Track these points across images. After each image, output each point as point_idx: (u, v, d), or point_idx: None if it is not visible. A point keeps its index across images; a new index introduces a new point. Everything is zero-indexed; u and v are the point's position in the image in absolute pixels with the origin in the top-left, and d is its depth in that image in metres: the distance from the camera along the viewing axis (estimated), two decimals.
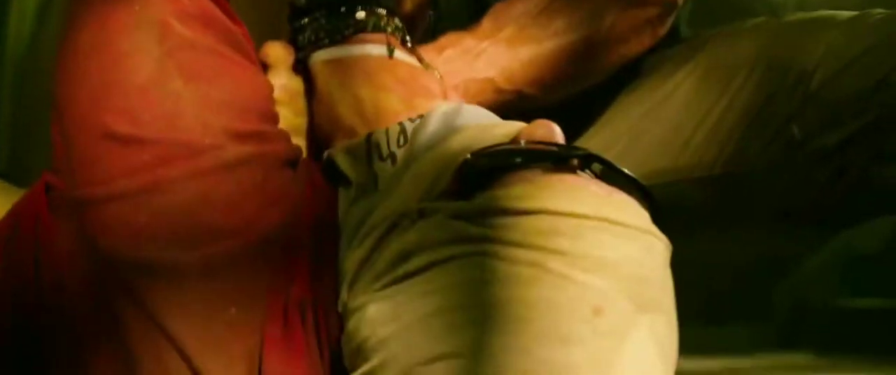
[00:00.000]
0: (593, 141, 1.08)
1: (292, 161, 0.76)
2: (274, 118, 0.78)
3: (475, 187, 0.63)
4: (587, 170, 0.65)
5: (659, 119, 1.05)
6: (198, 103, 0.70)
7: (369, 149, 0.74)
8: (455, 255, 0.61)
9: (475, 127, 0.70)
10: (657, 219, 0.64)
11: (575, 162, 0.63)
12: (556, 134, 0.66)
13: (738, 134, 0.99)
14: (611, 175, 0.64)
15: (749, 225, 1.04)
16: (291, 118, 0.83)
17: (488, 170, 0.63)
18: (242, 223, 0.69)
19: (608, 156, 1.03)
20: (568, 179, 0.62)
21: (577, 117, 1.03)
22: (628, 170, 1.02)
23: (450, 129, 0.71)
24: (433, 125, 0.73)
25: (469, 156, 0.64)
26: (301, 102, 0.84)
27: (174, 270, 0.67)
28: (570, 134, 1.06)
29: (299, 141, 0.83)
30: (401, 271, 0.63)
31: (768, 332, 1.59)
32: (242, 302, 0.69)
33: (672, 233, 1.06)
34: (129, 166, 0.67)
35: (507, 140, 0.67)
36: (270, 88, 0.79)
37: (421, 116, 0.76)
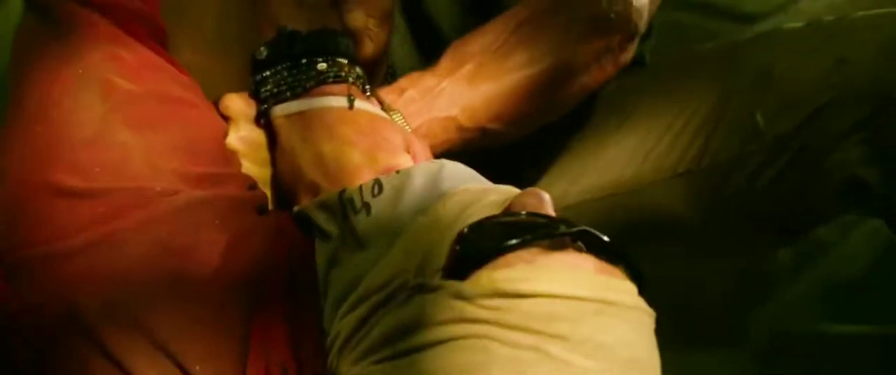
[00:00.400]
0: (560, 159, 1.07)
1: (254, 205, 0.74)
2: (228, 159, 0.76)
3: (472, 263, 0.62)
4: (578, 243, 0.64)
5: (623, 133, 1.04)
6: (145, 150, 0.69)
7: (343, 205, 0.73)
8: (456, 336, 0.60)
9: (465, 192, 0.69)
10: (642, 287, 0.64)
11: (568, 238, 0.63)
12: (546, 203, 0.66)
13: (701, 135, 0.98)
14: (600, 248, 0.64)
15: (716, 228, 1.02)
16: (254, 169, 0.81)
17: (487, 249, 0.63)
18: (207, 270, 0.68)
19: (575, 172, 1.05)
20: (565, 259, 0.62)
21: (542, 137, 1.01)
22: (595, 182, 1.04)
23: (437, 192, 0.70)
24: (418, 184, 0.72)
25: (465, 230, 0.63)
26: (263, 153, 0.82)
27: (141, 321, 0.66)
28: (537, 154, 1.06)
29: (264, 192, 0.81)
30: (400, 347, 0.62)
31: (747, 358, 1.59)
32: (215, 357, 0.68)
33: (645, 253, 1.07)
34: (85, 220, 0.66)
35: (499, 209, 0.66)
36: (224, 128, 0.78)
37: (398, 172, 0.75)
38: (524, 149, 1.01)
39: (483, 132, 0.91)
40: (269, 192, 0.82)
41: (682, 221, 1.00)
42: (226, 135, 0.78)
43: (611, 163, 1.03)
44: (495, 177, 1.04)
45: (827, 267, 1.63)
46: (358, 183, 0.78)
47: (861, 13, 0.94)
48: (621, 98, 1.06)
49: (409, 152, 0.81)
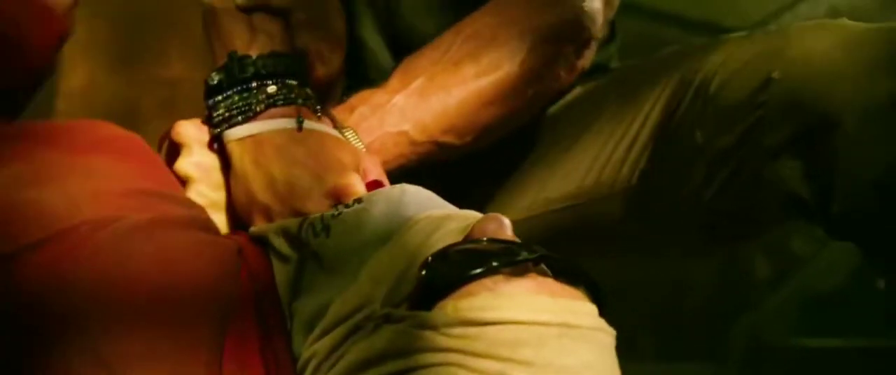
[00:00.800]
0: (526, 170, 1.07)
1: (196, 224, 0.73)
2: (144, 193, 0.74)
3: (437, 292, 0.63)
4: (542, 266, 0.64)
5: (583, 141, 1.03)
6: (61, 195, 0.68)
7: (303, 231, 0.73)
8: (424, 365, 0.61)
9: (427, 219, 0.69)
10: (602, 306, 0.65)
11: (530, 264, 0.63)
12: (506, 227, 0.66)
13: (651, 146, 0.98)
14: (561, 270, 0.64)
15: (670, 237, 1.02)
16: (209, 193, 0.81)
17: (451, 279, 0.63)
18: (144, 298, 0.67)
19: (540, 182, 1.04)
20: (527, 285, 0.62)
21: (509, 146, 1.01)
22: (558, 192, 1.03)
23: (399, 218, 0.70)
24: (379, 210, 0.72)
25: (430, 259, 0.64)
26: (216, 176, 0.82)
27: (104, 357, 0.65)
28: (503, 165, 1.05)
29: (219, 215, 0.82)
30: None
31: (726, 370, 1.58)
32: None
33: (611, 258, 1.06)
34: (21, 277, 0.65)
35: (460, 235, 0.66)
36: (129, 172, 0.76)
37: (359, 199, 0.74)
38: (491, 160, 1.01)
39: (437, 145, 0.91)
40: (224, 216, 0.82)
41: (639, 231, 1.00)
42: (132, 177, 0.76)
43: (572, 172, 1.03)
44: (462, 190, 1.04)
45: (805, 280, 1.63)
46: (307, 203, 0.78)
47: (796, 24, 0.92)
48: (584, 105, 1.06)
49: (360, 170, 0.81)
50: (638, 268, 1.17)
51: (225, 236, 0.78)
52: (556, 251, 1.09)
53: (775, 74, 0.88)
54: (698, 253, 1.09)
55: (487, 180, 1.07)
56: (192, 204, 0.77)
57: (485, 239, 0.65)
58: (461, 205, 0.80)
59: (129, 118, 1.91)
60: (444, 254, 0.64)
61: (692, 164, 0.94)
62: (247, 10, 0.87)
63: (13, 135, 0.74)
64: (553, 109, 1.06)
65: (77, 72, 1.97)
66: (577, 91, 1.06)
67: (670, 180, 0.96)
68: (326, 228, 0.72)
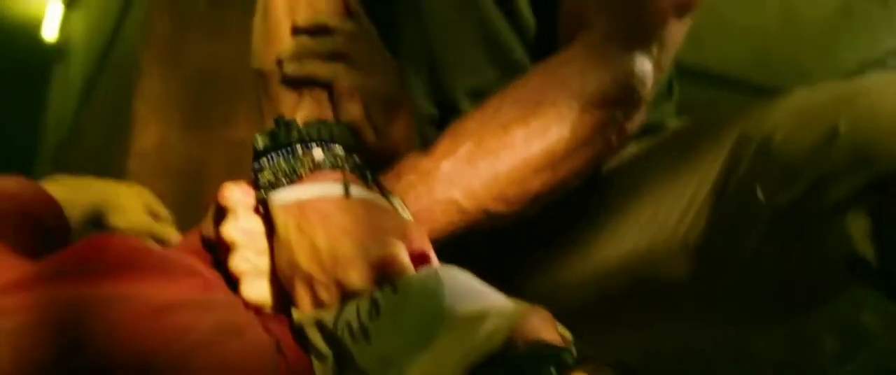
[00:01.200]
0: (579, 231, 1.02)
1: (226, 330, 0.72)
2: (168, 309, 0.73)
3: None
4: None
5: (637, 203, 0.98)
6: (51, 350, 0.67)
7: (340, 328, 0.71)
8: None
9: (464, 321, 0.66)
10: None
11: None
12: (550, 324, 0.64)
13: (708, 206, 0.91)
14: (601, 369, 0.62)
15: (729, 302, 0.95)
16: (253, 259, 0.79)
17: None
18: None
19: (593, 244, 1.00)
20: None
21: (561, 207, 0.95)
22: (612, 254, 0.98)
23: (435, 316, 0.68)
24: (415, 305, 0.69)
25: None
26: (262, 242, 0.80)
27: None
28: (552, 227, 1.01)
29: (262, 282, 0.79)
30: None
31: None
32: None
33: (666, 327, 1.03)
34: None
35: (499, 343, 0.64)
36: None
37: (393, 287, 0.72)
38: (541, 224, 0.97)
39: (486, 214, 0.87)
40: (267, 283, 0.80)
41: (696, 294, 0.94)
42: (159, 292, 0.75)
43: (626, 236, 0.98)
44: (512, 257, 1.00)
45: (873, 357, 1.57)
46: (351, 273, 0.75)
47: (865, 78, 0.87)
48: (638, 166, 1.01)
49: (406, 240, 0.77)
50: (698, 349, 1.12)
51: (264, 324, 0.76)
52: (611, 318, 1.04)
53: (842, 126, 0.82)
54: (761, 323, 1.03)
55: (538, 246, 1.03)
56: (217, 306, 0.75)
57: (526, 343, 0.63)
58: (512, 272, 0.77)
59: (197, 177, 1.93)
60: (483, 369, 0.62)
61: (752, 224, 0.88)
62: (293, 82, 0.86)
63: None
64: (605, 170, 1.02)
65: (149, 132, 1.99)
66: (632, 150, 1.02)
67: (729, 241, 0.90)
68: (365, 332, 0.70)
